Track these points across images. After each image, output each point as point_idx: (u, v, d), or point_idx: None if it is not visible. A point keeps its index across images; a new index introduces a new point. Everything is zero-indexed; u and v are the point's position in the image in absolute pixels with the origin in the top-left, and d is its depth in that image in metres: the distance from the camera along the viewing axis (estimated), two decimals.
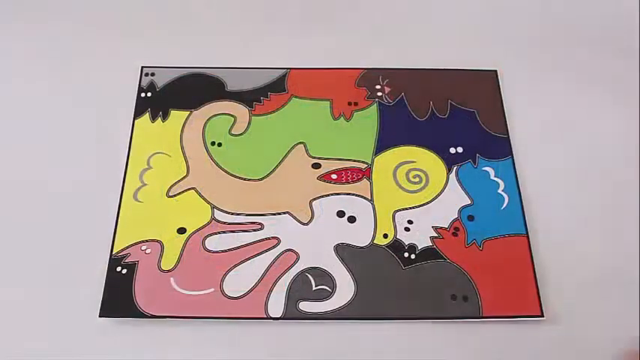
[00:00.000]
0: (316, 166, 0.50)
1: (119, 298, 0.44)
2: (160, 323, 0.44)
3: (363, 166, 0.50)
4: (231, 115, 0.52)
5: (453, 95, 0.51)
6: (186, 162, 0.50)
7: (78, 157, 0.51)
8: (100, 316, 0.44)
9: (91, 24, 0.59)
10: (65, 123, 0.53)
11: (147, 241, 0.47)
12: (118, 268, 0.46)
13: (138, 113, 0.53)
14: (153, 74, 0.55)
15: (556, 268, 0.46)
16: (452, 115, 0.52)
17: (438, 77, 0.54)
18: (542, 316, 0.44)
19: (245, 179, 0.49)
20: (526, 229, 0.47)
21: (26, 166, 0.50)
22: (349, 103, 0.53)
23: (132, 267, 0.45)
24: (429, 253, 0.46)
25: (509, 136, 0.51)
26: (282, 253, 0.46)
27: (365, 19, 0.59)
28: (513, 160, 0.50)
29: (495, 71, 0.54)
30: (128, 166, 0.50)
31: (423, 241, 0.47)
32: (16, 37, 0.58)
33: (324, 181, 0.49)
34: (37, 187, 0.49)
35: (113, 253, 0.46)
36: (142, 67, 0.55)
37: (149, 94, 0.54)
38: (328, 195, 0.49)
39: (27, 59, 0.57)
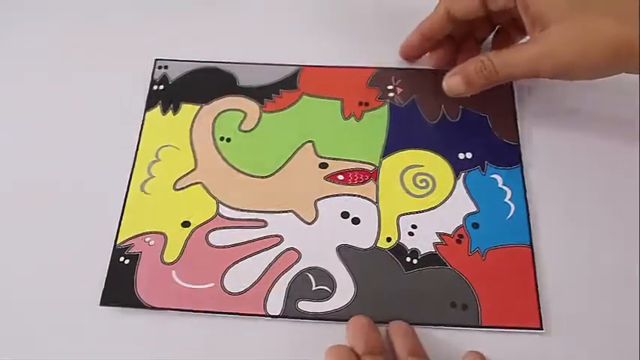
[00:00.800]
0: (323, 165, 0.50)
1: (121, 288, 0.45)
2: (160, 314, 0.44)
3: (371, 167, 0.50)
4: (242, 111, 0.53)
5: (464, 98, 0.51)
6: (195, 156, 0.50)
7: (87, 148, 0.51)
8: (100, 304, 0.44)
9: (104, 15, 0.59)
10: (76, 114, 0.53)
11: (151, 232, 0.47)
12: (121, 259, 0.46)
13: (149, 106, 0.53)
14: (166, 67, 0.55)
15: (559, 281, 0.45)
16: (463, 119, 0.52)
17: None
18: (542, 328, 0.43)
19: (252, 176, 0.49)
20: (530, 239, 0.46)
21: (35, 154, 0.51)
22: (360, 103, 0.53)
23: (135, 258, 0.46)
24: (431, 259, 0.46)
25: (519, 144, 0.50)
26: (285, 251, 0.46)
27: (379, 16, 0.59)
28: (522, 168, 0.49)
29: None
30: (137, 158, 0.50)
31: (425, 247, 0.46)
32: (26, 31, 0.59)
33: (331, 181, 0.49)
34: (44, 175, 0.50)
35: (117, 243, 0.47)
36: (156, 60, 0.55)
37: (161, 87, 0.54)
38: (334, 195, 0.49)
39: (38, 51, 0.57)
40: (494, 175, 0.49)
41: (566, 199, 0.49)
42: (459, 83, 0.48)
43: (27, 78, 0.55)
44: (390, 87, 0.54)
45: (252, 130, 0.52)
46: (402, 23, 0.54)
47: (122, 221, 0.47)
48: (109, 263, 0.45)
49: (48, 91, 0.54)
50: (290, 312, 0.44)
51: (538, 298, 0.44)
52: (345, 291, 0.45)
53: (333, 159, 0.50)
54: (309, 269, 0.45)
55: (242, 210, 0.48)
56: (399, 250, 0.46)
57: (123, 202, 0.48)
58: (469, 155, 0.50)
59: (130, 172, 0.49)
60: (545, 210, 0.48)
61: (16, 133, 0.52)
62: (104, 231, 0.47)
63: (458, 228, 0.47)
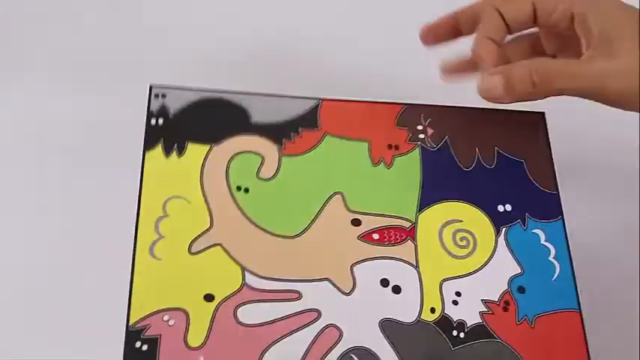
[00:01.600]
0: (356, 222, 0.45)
1: None
2: None
3: (407, 224, 0.45)
4: (259, 154, 0.46)
5: (498, 140, 0.47)
6: (209, 210, 0.44)
7: (77, 200, 0.43)
8: None
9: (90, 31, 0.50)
10: (64, 149, 0.45)
11: (169, 309, 0.41)
12: (138, 344, 0.40)
13: (149, 145, 0.45)
14: (164, 96, 0.47)
15: (612, 349, 0.43)
16: (499, 164, 0.48)
17: (483, 118, 0.49)
18: None
19: (278, 235, 0.44)
20: (578, 303, 0.44)
21: (16, 215, 0.43)
22: (389, 146, 0.48)
23: (153, 342, 0.40)
24: (479, 332, 0.43)
25: (558, 193, 0.47)
26: (324, 328, 0.42)
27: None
28: (564, 221, 0.46)
29: (543, 113, 0.50)
30: (140, 213, 0.43)
31: (472, 317, 0.43)
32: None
33: (365, 241, 0.44)
34: (32, 238, 0.42)
35: (130, 324, 0.40)
36: (151, 87, 0.47)
37: (160, 122, 0.46)
38: (370, 259, 0.44)
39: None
40: (535, 230, 0.46)
41: (613, 256, 0.47)
42: (499, 85, 0.42)
43: None
44: (419, 127, 0.49)
45: (272, 178, 0.45)
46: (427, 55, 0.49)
47: (132, 295, 0.40)
48: (122, 351, 0.38)
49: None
50: None
51: None
52: None
53: (366, 214, 0.45)
54: (353, 349, 0.41)
55: (272, 279, 0.42)
56: (444, 322, 0.43)
57: (131, 270, 0.41)
58: (508, 207, 0.47)
59: (134, 232, 0.42)
60: (592, 268, 0.46)
61: None
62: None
63: (504, 294, 0.44)
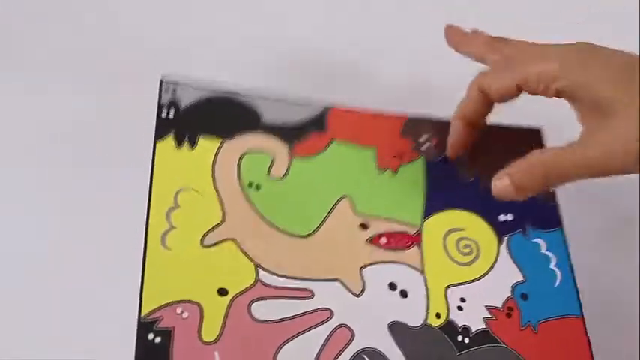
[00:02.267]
0: (364, 226, 0.45)
1: None
2: None
3: (413, 230, 0.46)
4: (269, 154, 0.46)
5: (498, 154, 0.48)
6: (222, 204, 0.43)
7: (86, 193, 0.42)
8: None
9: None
10: (75, 137, 0.43)
11: (182, 301, 0.39)
12: (150, 336, 0.38)
13: (159, 135, 0.44)
14: (174, 90, 0.46)
15: (612, 352, 0.45)
16: None
17: (484, 132, 0.50)
18: None
19: (290, 234, 0.43)
20: (580, 309, 0.45)
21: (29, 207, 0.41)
22: (395, 156, 0.48)
23: (166, 334, 0.38)
24: (483, 337, 0.44)
25: (557, 205, 0.49)
26: (336, 328, 0.41)
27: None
28: (563, 231, 0.48)
29: (539, 130, 0.52)
30: (152, 203, 0.42)
31: (476, 323, 0.44)
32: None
33: (374, 245, 0.45)
34: (42, 227, 0.40)
35: (142, 315, 0.38)
36: (162, 80, 0.46)
37: (171, 114, 0.45)
38: (378, 263, 0.44)
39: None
40: (536, 240, 0.48)
41: (612, 263, 0.48)
42: (508, 188, 0.41)
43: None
44: (421, 140, 0.50)
45: (282, 178, 0.45)
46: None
47: (144, 286, 0.39)
48: (135, 343, 0.37)
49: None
50: None
51: None
52: None
53: (373, 218, 0.45)
54: (365, 350, 0.41)
55: (284, 276, 0.42)
56: (449, 327, 0.43)
57: (142, 259, 0.39)
58: (510, 217, 0.48)
59: (145, 220, 0.41)
60: (591, 275, 0.47)
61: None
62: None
63: (507, 300, 0.45)
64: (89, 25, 0.51)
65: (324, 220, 0.44)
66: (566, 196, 0.49)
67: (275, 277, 0.42)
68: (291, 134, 0.47)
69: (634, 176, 0.48)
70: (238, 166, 0.45)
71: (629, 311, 0.45)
